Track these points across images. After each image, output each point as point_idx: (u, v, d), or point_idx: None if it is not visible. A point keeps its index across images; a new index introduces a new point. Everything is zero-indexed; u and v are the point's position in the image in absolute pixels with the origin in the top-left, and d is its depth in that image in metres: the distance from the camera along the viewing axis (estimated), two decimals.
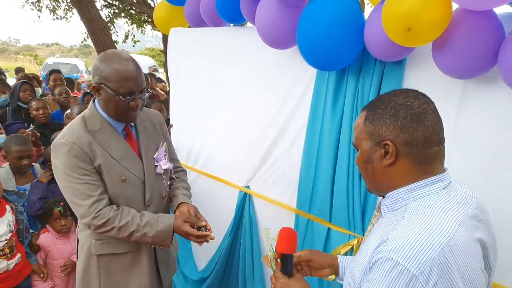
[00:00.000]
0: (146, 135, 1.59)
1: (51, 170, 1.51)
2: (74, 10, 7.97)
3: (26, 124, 3.09)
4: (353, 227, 1.68)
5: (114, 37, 8.62)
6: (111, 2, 8.79)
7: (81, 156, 1.37)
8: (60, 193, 1.46)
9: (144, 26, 9.86)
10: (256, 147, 2.07)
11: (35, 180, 2.44)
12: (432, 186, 0.83)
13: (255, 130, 2.06)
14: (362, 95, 1.58)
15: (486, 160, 1.34)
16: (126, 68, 1.36)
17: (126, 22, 9.75)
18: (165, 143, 1.66)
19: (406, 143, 0.83)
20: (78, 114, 1.62)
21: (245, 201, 2.17)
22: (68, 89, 4.08)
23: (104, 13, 8.85)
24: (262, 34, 1.73)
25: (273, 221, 2.02)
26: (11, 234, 1.99)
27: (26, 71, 8.92)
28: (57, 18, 9.42)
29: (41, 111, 3.31)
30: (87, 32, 7.07)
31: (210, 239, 1.45)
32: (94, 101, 1.49)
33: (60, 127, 3.18)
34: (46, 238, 2.28)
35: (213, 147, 2.36)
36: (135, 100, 1.40)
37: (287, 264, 1.09)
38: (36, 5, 8.97)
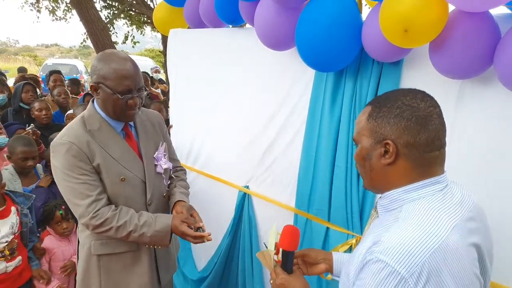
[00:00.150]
0: (146, 135, 1.59)
1: (52, 174, 1.51)
2: (74, 11, 7.96)
3: (27, 125, 3.09)
4: (351, 226, 1.69)
5: (113, 38, 8.63)
6: (110, 3, 8.78)
7: (80, 156, 1.37)
8: (61, 194, 1.46)
9: (144, 27, 9.84)
10: (255, 147, 2.08)
11: (35, 185, 2.42)
12: (429, 187, 0.83)
13: (254, 130, 2.07)
14: (360, 96, 1.59)
15: (483, 160, 1.35)
16: (124, 67, 1.37)
17: (126, 23, 9.73)
18: (165, 142, 1.66)
19: (408, 144, 0.82)
20: None
21: (244, 201, 2.18)
22: (67, 90, 4.05)
23: (104, 14, 8.83)
24: (261, 36, 1.74)
25: (272, 220, 2.03)
26: (13, 236, 1.95)
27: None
28: (56, 19, 9.40)
29: (43, 112, 3.28)
30: (86, 33, 7.06)
31: (208, 240, 1.45)
32: (93, 102, 1.50)
33: (61, 128, 3.16)
34: (50, 241, 2.27)
35: (212, 147, 2.37)
36: (133, 99, 1.40)
37: (287, 260, 1.10)
38: (36, 6, 8.95)
